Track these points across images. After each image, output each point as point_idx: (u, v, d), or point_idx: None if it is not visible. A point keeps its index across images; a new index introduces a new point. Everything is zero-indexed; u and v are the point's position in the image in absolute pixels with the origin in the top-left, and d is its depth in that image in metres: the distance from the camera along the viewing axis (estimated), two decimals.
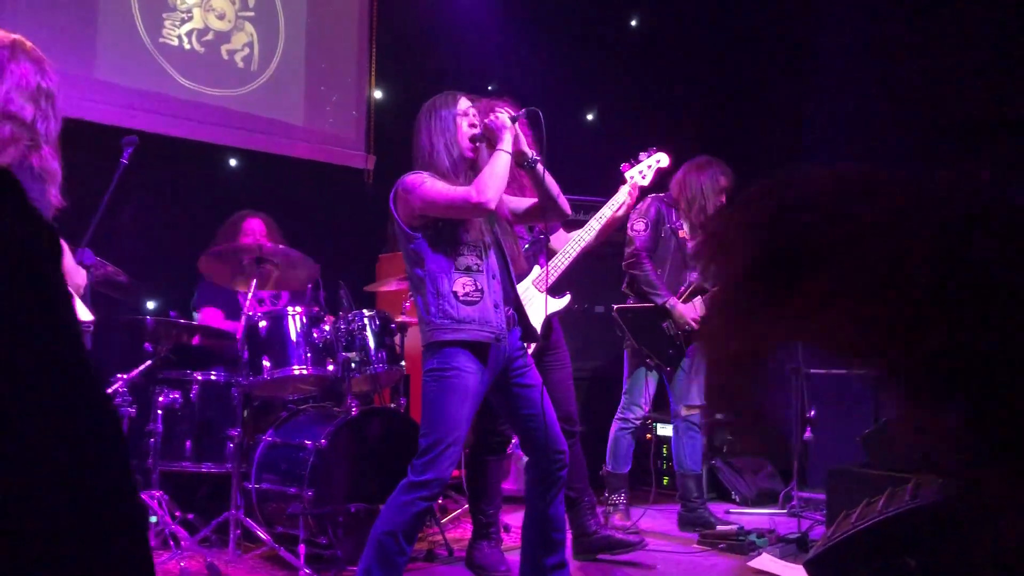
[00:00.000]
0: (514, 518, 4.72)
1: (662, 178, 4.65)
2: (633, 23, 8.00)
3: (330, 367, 4.50)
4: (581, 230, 4.28)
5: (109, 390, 4.34)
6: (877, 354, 0.80)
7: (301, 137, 6.60)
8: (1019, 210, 0.73)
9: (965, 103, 5.86)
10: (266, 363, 4.38)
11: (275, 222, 5.47)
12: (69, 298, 0.96)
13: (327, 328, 4.54)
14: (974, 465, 0.75)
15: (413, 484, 3.17)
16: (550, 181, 3.45)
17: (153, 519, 4.26)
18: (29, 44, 2.97)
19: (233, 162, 6.41)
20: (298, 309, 4.54)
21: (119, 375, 4.38)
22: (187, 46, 6.06)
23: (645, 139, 4.52)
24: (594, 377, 6.24)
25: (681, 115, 7.36)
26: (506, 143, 3.30)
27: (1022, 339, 0.70)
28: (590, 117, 7.99)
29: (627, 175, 4.37)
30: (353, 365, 4.51)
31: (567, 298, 4.24)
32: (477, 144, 3.39)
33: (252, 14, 6.38)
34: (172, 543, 4.17)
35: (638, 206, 5.18)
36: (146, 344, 4.56)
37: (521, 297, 3.58)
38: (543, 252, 4.28)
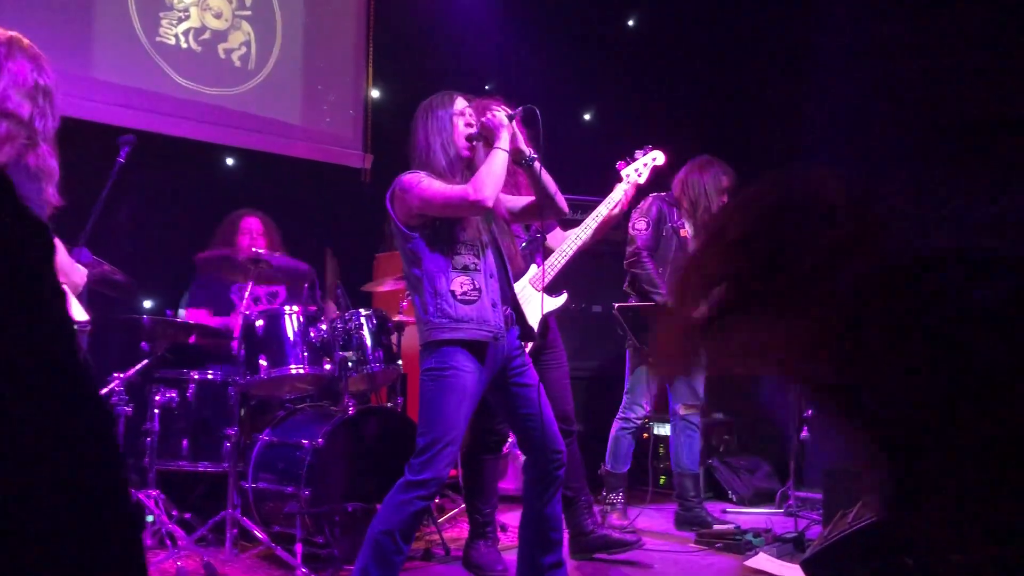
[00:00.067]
0: (511, 517, 4.72)
1: (660, 177, 4.65)
2: (630, 23, 7.99)
3: (327, 366, 4.49)
4: (578, 228, 4.27)
5: (106, 389, 4.34)
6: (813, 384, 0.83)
7: (298, 136, 6.60)
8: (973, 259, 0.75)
9: (965, 103, 5.86)
10: (263, 362, 4.38)
11: (273, 221, 5.46)
12: (63, 297, 0.96)
13: (324, 327, 4.53)
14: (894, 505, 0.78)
15: (410, 483, 3.17)
16: (547, 179, 3.45)
17: (150, 518, 4.26)
18: (26, 41, 2.96)
19: (230, 161, 6.41)
20: (295, 308, 4.53)
21: (116, 374, 4.38)
22: (184, 45, 6.06)
23: (643, 139, 4.52)
24: (592, 376, 6.24)
25: (679, 115, 7.35)
26: (503, 141, 3.30)
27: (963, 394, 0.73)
28: (587, 117, 7.99)
29: (623, 173, 4.36)
30: (350, 364, 4.51)
31: (564, 297, 4.24)
32: (474, 143, 3.39)
33: (249, 13, 6.37)
34: (169, 542, 4.16)
35: (639, 205, 5.19)
36: (143, 343, 4.56)
37: (518, 296, 3.58)
38: (540, 251, 4.28)
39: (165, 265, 5.65)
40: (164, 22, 5.96)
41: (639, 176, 4.36)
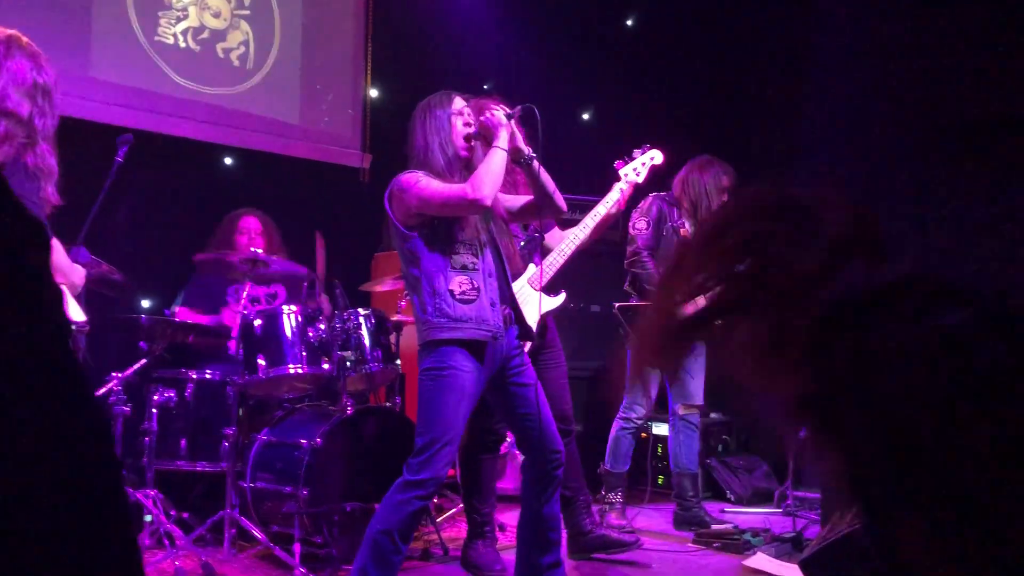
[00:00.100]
0: (510, 517, 4.72)
1: (659, 176, 4.65)
2: (629, 22, 7.99)
3: (325, 366, 4.49)
4: (576, 228, 4.27)
5: (104, 389, 4.34)
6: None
7: (297, 136, 6.60)
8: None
9: (965, 103, 5.86)
10: (261, 362, 4.37)
11: (272, 221, 5.46)
12: (59, 297, 0.95)
13: (322, 327, 4.53)
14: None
15: (409, 483, 3.17)
16: (546, 178, 3.45)
17: (148, 518, 4.26)
18: (25, 39, 2.95)
19: (228, 161, 6.41)
20: (293, 308, 4.53)
21: (114, 374, 4.37)
22: (182, 44, 6.05)
23: (641, 138, 4.52)
24: (590, 376, 6.24)
25: (677, 114, 7.35)
26: (502, 140, 3.30)
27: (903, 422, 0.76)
28: (586, 116, 7.99)
29: (621, 172, 4.36)
30: (349, 364, 4.51)
31: (562, 296, 4.24)
32: (472, 143, 3.39)
33: (248, 12, 6.37)
34: (167, 542, 4.16)
35: (640, 205, 5.20)
36: (141, 343, 4.56)
37: (516, 296, 3.58)
38: (538, 251, 4.28)
39: (163, 265, 5.65)
40: (162, 21, 5.96)
41: (637, 175, 4.36)
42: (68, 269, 3.08)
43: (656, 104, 7.33)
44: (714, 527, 4.88)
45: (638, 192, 4.50)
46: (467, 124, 3.40)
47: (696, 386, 5.17)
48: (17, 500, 0.85)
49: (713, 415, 6.22)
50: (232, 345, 4.63)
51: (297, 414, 4.63)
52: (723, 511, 5.53)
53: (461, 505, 4.55)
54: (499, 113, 3.35)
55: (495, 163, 3.26)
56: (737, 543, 4.54)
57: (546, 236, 4.39)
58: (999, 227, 5.69)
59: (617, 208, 4.31)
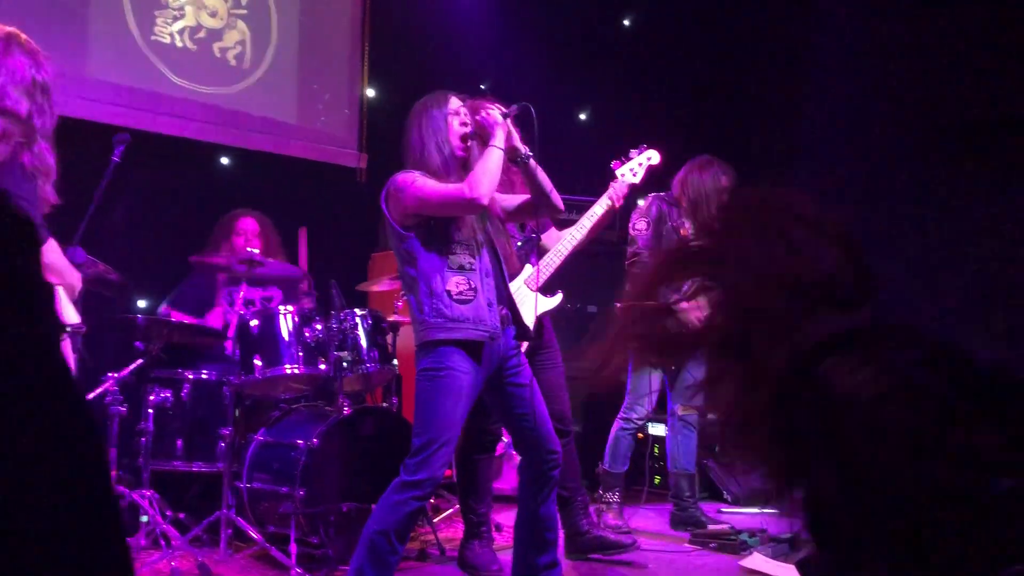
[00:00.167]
0: (507, 517, 4.72)
1: (657, 176, 4.64)
2: (626, 22, 7.99)
3: (322, 366, 4.48)
4: (573, 228, 4.27)
5: (100, 389, 4.32)
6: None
7: (293, 135, 6.58)
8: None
9: (965, 103, 5.86)
10: (258, 362, 4.37)
11: (270, 221, 5.44)
12: (49, 296, 0.95)
13: (319, 327, 4.52)
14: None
15: (405, 483, 3.16)
16: (543, 176, 3.44)
17: (144, 519, 4.25)
18: (24, 37, 2.94)
19: (225, 160, 6.39)
20: (290, 308, 4.53)
21: (110, 374, 4.36)
22: (179, 44, 6.04)
23: (638, 139, 4.51)
24: (587, 377, 6.22)
25: (675, 115, 7.35)
26: (498, 139, 3.30)
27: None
28: (583, 116, 7.98)
29: (618, 173, 4.36)
30: (345, 364, 4.50)
31: (559, 297, 4.23)
32: (468, 143, 3.39)
33: (245, 12, 6.36)
34: (163, 542, 4.15)
35: (639, 205, 5.21)
36: (137, 343, 4.54)
37: (513, 296, 3.58)
38: (535, 251, 4.28)
39: (160, 264, 5.63)
40: (159, 21, 5.94)
41: (634, 175, 4.36)
42: (65, 270, 3.06)
43: (654, 104, 7.33)
44: (711, 527, 4.88)
45: (635, 192, 4.50)
46: (463, 124, 3.39)
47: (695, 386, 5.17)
48: (8, 500, 0.85)
49: (711, 416, 6.21)
50: (229, 345, 4.62)
51: (293, 414, 4.62)
52: (720, 511, 5.53)
53: (458, 505, 4.55)
54: (495, 112, 3.35)
55: (492, 162, 3.25)
56: (734, 543, 4.54)
57: (543, 236, 4.39)
58: (999, 227, 5.69)
59: (614, 208, 4.30)
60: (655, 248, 5.12)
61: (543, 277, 4.14)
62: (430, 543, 4.54)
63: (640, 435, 5.74)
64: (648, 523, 5.24)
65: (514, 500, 3.62)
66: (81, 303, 3.24)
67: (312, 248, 5.63)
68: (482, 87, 6.76)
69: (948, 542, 0.72)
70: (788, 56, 6.89)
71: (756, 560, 4.25)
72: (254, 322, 4.44)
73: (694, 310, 4.70)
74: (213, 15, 6.19)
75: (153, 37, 5.91)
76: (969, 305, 5.71)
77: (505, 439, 5.04)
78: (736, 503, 5.79)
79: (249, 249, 4.88)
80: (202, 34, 6.15)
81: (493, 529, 4.46)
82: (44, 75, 2.94)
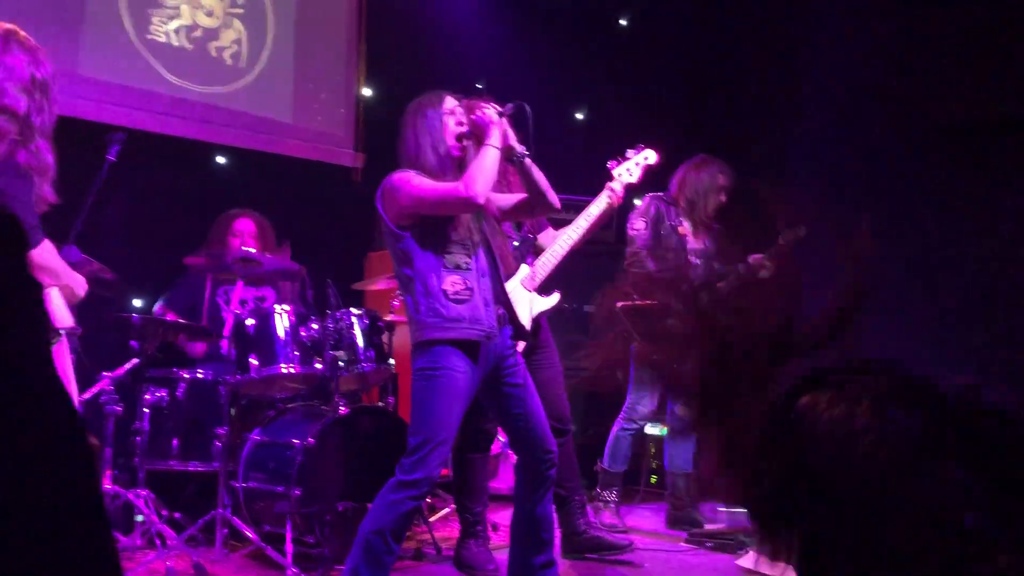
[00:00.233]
0: (503, 516, 4.72)
1: (655, 176, 4.64)
2: (623, 22, 7.99)
3: (318, 365, 4.48)
4: (569, 228, 4.26)
5: (95, 388, 4.32)
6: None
7: (289, 135, 6.57)
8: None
9: (964, 103, 5.87)
10: (253, 361, 4.36)
11: (267, 222, 5.43)
12: (36, 297, 0.94)
13: (315, 326, 4.52)
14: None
15: (402, 483, 3.16)
16: (538, 175, 3.44)
17: (139, 518, 4.24)
18: (23, 34, 2.93)
19: (221, 159, 6.38)
20: (286, 307, 4.52)
21: (105, 373, 4.36)
22: (175, 43, 6.03)
23: (635, 138, 4.51)
24: (585, 376, 6.22)
25: (672, 114, 7.35)
26: (494, 138, 3.30)
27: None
28: (579, 116, 7.98)
29: (615, 172, 4.35)
30: (341, 364, 4.49)
31: (556, 297, 4.23)
32: (464, 142, 3.38)
33: (241, 11, 6.35)
34: (158, 542, 4.15)
35: (637, 205, 5.23)
36: (132, 342, 4.54)
37: (509, 296, 3.57)
38: (532, 251, 4.27)
39: (155, 264, 5.62)
40: (155, 19, 5.93)
41: (631, 175, 4.35)
42: (62, 272, 3.04)
43: (650, 104, 7.33)
44: (707, 526, 4.88)
45: (632, 192, 4.49)
46: (459, 123, 3.39)
47: None
48: None
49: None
50: (224, 345, 4.62)
51: (289, 414, 4.62)
52: (716, 510, 5.53)
53: (454, 505, 4.55)
54: (490, 111, 3.35)
55: (488, 161, 3.25)
56: (730, 542, 4.54)
57: (539, 236, 4.38)
58: (999, 227, 5.70)
59: (611, 208, 4.30)
60: (654, 248, 5.12)
61: (540, 277, 4.14)
62: (426, 542, 4.53)
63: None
64: (645, 522, 5.24)
65: (510, 499, 3.62)
66: (76, 303, 3.23)
67: (308, 247, 5.62)
68: (478, 86, 6.75)
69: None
70: (786, 55, 6.89)
71: (752, 559, 4.25)
72: (250, 321, 4.44)
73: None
74: (209, 14, 6.18)
75: (148, 35, 5.90)
76: (969, 305, 5.72)
77: (501, 438, 5.04)
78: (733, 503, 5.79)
79: (244, 248, 4.87)
80: (198, 33, 6.14)
81: (489, 528, 4.46)
82: (43, 72, 2.93)
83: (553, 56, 7.37)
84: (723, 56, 7.32)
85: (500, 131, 3.32)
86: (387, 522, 3.13)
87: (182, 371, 4.69)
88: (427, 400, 3.21)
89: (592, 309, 6.17)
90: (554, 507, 3.68)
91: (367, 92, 7.02)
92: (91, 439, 3.25)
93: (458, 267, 3.29)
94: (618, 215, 4.95)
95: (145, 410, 4.50)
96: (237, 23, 6.33)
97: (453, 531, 4.63)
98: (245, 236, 5.23)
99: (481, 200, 3.21)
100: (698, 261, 5.21)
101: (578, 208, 4.37)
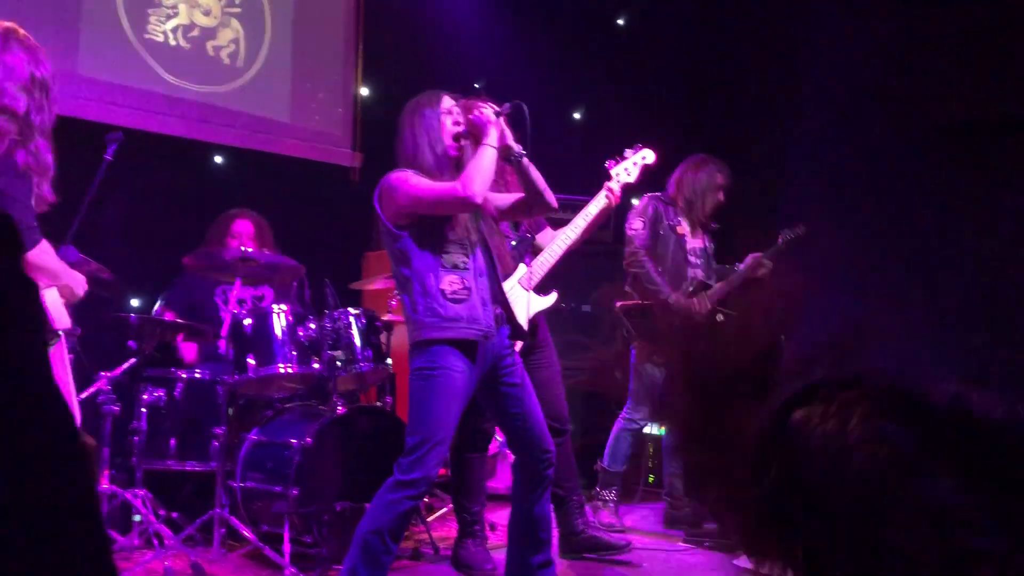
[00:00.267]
0: (501, 516, 4.71)
1: (653, 176, 4.64)
2: (620, 21, 7.99)
3: (315, 365, 4.47)
4: (567, 228, 4.26)
5: (93, 388, 4.32)
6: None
7: (287, 134, 6.57)
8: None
9: (964, 103, 5.87)
10: (251, 361, 4.35)
11: (266, 222, 5.42)
12: (27, 298, 0.93)
13: (313, 326, 4.51)
14: None
15: (399, 483, 3.15)
16: (536, 175, 3.44)
17: (137, 518, 4.24)
18: (22, 32, 2.92)
19: (218, 159, 6.38)
20: (283, 307, 4.51)
21: (103, 373, 4.35)
22: (172, 42, 6.02)
23: (632, 138, 4.51)
24: (582, 376, 6.22)
25: (671, 114, 7.35)
26: (491, 138, 3.29)
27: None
28: (577, 116, 7.98)
29: (612, 172, 4.35)
30: (339, 363, 4.49)
31: (553, 296, 4.22)
32: (461, 142, 3.38)
33: (238, 10, 6.34)
34: (156, 542, 4.15)
35: (635, 206, 5.24)
36: (130, 342, 4.53)
37: (507, 295, 3.57)
38: (530, 250, 4.27)
39: (152, 263, 5.62)
40: (152, 19, 5.92)
41: (628, 175, 4.35)
42: (61, 273, 3.03)
43: (650, 104, 7.33)
44: (705, 526, 4.88)
45: (630, 191, 4.49)
46: (456, 123, 3.39)
47: None
48: None
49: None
50: (222, 344, 4.61)
51: (287, 414, 4.61)
52: None
53: (452, 504, 4.55)
54: (488, 111, 3.35)
55: (485, 160, 3.25)
56: (728, 542, 4.54)
57: (538, 236, 4.38)
58: (999, 227, 5.70)
59: (609, 208, 4.30)
60: (652, 248, 5.13)
61: (537, 276, 4.14)
62: (424, 542, 4.53)
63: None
64: (642, 522, 5.24)
65: (508, 499, 3.61)
66: (76, 302, 3.22)
67: (306, 247, 5.61)
68: (476, 86, 6.74)
69: None
70: (785, 55, 6.88)
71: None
72: (247, 321, 4.43)
73: (694, 306, 4.75)
74: (207, 13, 6.18)
75: (146, 35, 5.89)
76: (969, 305, 5.72)
77: (499, 438, 5.03)
78: None
79: (242, 248, 4.86)
80: (195, 32, 6.13)
81: (487, 528, 4.45)
82: (43, 71, 2.92)
83: (551, 56, 7.37)
84: (723, 56, 7.32)
85: (497, 131, 3.32)
86: (385, 522, 3.12)
87: (180, 371, 4.69)
88: (425, 400, 3.21)
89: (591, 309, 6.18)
90: (552, 507, 3.68)
91: (365, 92, 7.02)
92: (88, 439, 3.24)
93: (456, 267, 3.29)
94: (616, 215, 4.95)
95: (143, 410, 4.50)
96: (235, 22, 6.32)
97: (451, 531, 4.62)
98: (243, 237, 5.21)
99: (478, 200, 3.21)
100: (697, 260, 5.21)
101: (576, 208, 4.37)
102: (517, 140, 3.43)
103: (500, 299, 3.46)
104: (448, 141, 3.36)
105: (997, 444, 0.76)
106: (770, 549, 0.86)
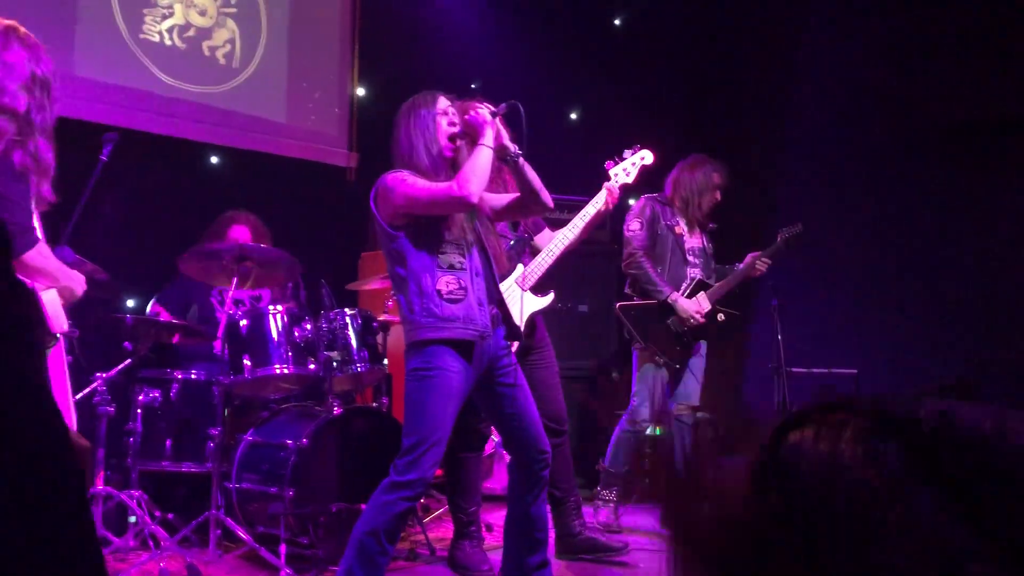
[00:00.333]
0: (497, 517, 4.70)
1: (650, 176, 4.64)
2: (617, 22, 7.98)
3: (311, 366, 4.46)
4: (565, 228, 4.25)
5: (88, 389, 4.30)
6: None
7: (283, 134, 6.56)
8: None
9: (962, 104, 5.87)
10: (247, 362, 4.34)
11: (263, 225, 5.39)
12: (18, 299, 0.92)
13: (308, 327, 4.49)
14: None
15: (395, 484, 3.14)
16: (532, 175, 3.42)
17: (132, 519, 4.23)
18: (23, 30, 2.90)
19: (214, 159, 6.36)
20: (279, 308, 4.50)
21: (98, 373, 4.34)
22: (168, 42, 6.01)
23: (630, 138, 4.50)
24: (580, 376, 6.22)
25: (670, 114, 7.34)
26: (487, 138, 3.28)
27: None
28: (574, 116, 7.97)
29: (611, 172, 4.34)
30: (335, 364, 4.47)
31: (550, 296, 4.21)
32: (457, 143, 3.37)
33: (234, 10, 6.33)
34: (151, 543, 4.12)
35: (633, 206, 5.24)
36: (126, 343, 4.52)
37: (504, 295, 3.56)
38: (527, 251, 4.26)
39: (148, 264, 5.60)
40: (148, 19, 5.91)
41: (627, 176, 4.34)
42: (59, 274, 3.00)
43: (648, 104, 7.32)
44: None
45: (628, 192, 4.48)
46: (452, 124, 3.38)
47: (695, 386, 5.18)
48: None
49: (699, 414, 6.20)
50: (217, 345, 4.59)
51: (283, 414, 4.60)
52: None
53: (448, 505, 4.53)
54: (484, 111, 3.33)
55: (481, 161, 3.24)
56: None
57: (535, 237, 4.37)
58: (999, 227, 5.70)
59: (607, 208, 4.29)
60: (650, 249, 5.13)
61: (534, 277, 4.13)
62: (420, 543, 4.52)
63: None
64: (640, 521, 5.23)
65: (505, 500, 3.60)
66: (74, 303, 3.21)
67: (301, 247, 5.59)
68: (472, 86, 6.74)
69: None
70: (783, 55, 6.88)
71: None
72: (243, 322, 4.42)
73: (694, 306, 4.74)
74: (202, 13, 6.16)
75: (142, 35, 5.88)
76: (969, 305, 5.72)
77: (494, 438, 5.02)
78: None
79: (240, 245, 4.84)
80: (191, 32, 6.12)
81: (484, 529, 4.44)
82: (44, 69, 2.90)
83: (548, 56, 7.36)
84: (722, 56, 7.32)
85: (493, 131, 3.31)
86: (381, 523, 3.11)
87: (175, 372, 4.67)
88: (421, 400, 3.20)
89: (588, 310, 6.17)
90: (549, 508, 3.66)
91: (361, 92, 7.01)
92: (83, 441, 3.23)
93: (452, 267, 3.28)
94: (613, 215, 4.95)
95: (138, 411, 4.49)
96: (230, 22, 6.31)
97: (447, 531, 4.61)
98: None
99: (475, 200, 3.20)
100: (695, 260, 5.21)
101: (574, 208, 4.36)
102: (513, 140, 3.41)
103: (496, 299, 3.45)
104: (444, 142, 3.35)
105: (983, 462, 0.75)
106: None
